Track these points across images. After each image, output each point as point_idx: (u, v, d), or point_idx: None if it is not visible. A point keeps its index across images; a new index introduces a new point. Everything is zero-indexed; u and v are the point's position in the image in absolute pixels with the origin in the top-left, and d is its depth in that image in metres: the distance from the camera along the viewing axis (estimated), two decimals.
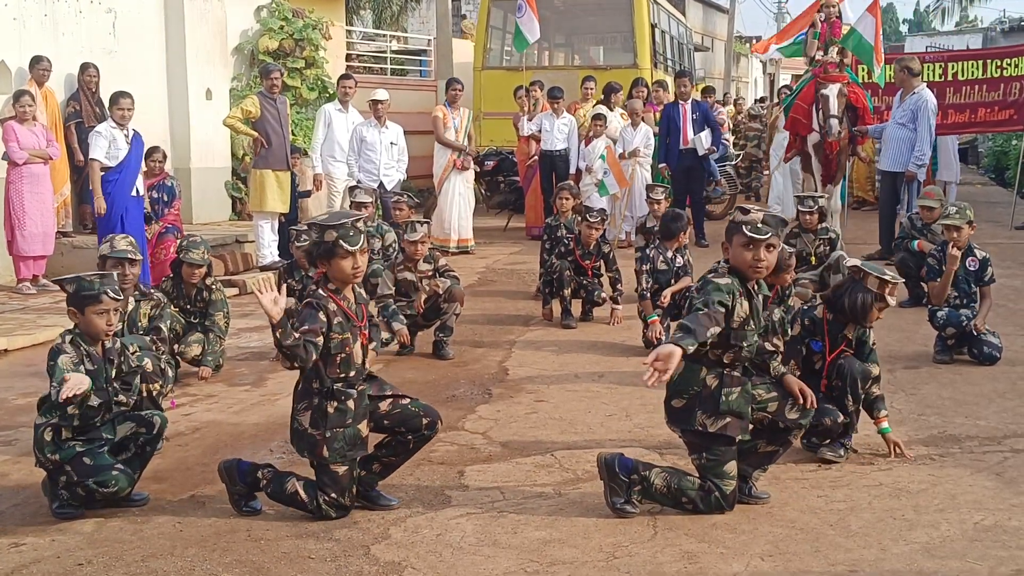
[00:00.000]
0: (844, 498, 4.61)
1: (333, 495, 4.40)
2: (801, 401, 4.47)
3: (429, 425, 4.52)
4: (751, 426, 4.48)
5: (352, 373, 4.42)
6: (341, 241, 4.30)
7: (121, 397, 4.66)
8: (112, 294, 4.59)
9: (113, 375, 4.65)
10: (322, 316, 4.29)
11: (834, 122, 11.63)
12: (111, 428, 4.62)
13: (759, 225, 4.28)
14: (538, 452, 5.32)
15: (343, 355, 4.38)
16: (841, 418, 5.09)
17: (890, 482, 4.81)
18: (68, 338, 4.56)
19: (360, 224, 4.38)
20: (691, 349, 4.00)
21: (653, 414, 4.46)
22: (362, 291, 4.56)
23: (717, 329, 4.12)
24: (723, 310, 4.17)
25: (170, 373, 5.84)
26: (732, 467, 4.39)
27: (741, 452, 4.53)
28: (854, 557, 3.98)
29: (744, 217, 4.32)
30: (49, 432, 4.46)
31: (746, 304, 4.29)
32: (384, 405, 4.52)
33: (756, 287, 4.42)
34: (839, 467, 5.03)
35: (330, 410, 4.37)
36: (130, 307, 5.86)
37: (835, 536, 4.19)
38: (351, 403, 4.40)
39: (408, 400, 4.57)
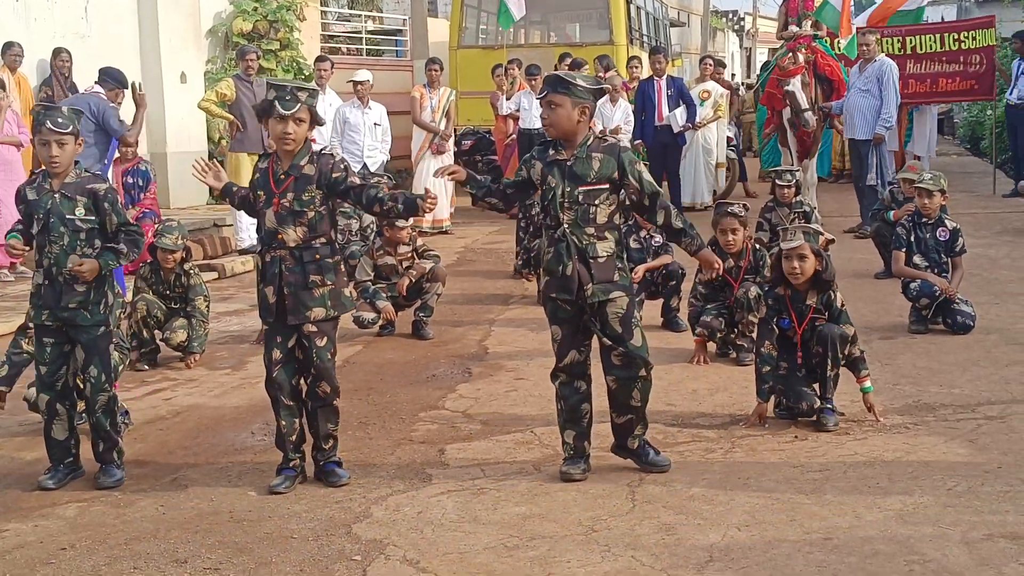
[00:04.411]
0: (820, 468, 4.68)
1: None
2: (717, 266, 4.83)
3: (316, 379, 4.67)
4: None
5: (262, 234, 4.60)
6: (276, 103, 4.45)
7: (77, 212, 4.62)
8: (51, 125, 4.59)
9: (68, 208, 4.60)
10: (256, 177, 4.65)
11: (808, 115, 11.65)
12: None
13: (544, 89, 4.56)
14: (518, 429, 5.36)
15: (259, 215, 4.63)
16: (817, 403, 5.21)
17: (865, 451, 4.88)
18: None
19: (302, 94, 4.47)
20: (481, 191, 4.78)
21: None
22: (302, 163, 4.54)
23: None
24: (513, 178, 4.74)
25: (117, 358, 5.24)
26: (556, 330, 4.63)
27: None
28: (829, 525, 4.05)
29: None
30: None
31: (538, 164, 4.58)
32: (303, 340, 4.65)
33: (573, 154, 4.52)
34: (815, 437, 5.09)
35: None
36: None
37: (810, 505, 4.25)
38: (259, 262, 4.66)
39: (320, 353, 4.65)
